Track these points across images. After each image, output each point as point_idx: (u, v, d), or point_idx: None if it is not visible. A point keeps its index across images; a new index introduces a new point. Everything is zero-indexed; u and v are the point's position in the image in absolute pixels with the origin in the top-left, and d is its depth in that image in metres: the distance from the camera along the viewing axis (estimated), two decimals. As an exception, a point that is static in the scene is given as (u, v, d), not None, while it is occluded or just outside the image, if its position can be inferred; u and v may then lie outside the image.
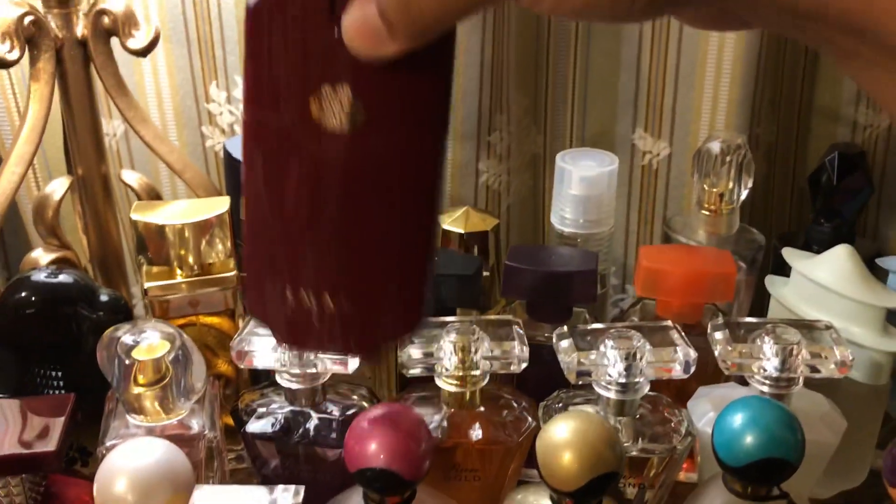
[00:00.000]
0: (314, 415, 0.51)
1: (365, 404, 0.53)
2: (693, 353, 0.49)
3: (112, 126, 0.77)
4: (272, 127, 0.32)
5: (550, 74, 0.77)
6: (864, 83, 0.28)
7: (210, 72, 0.76)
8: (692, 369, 0.49)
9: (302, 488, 0.40)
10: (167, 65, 0.76)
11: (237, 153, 0.62)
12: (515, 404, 0.54)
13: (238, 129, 0.77)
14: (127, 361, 0.47)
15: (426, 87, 0.32)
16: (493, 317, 0.53)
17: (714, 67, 0.73)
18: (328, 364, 0.50)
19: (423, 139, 0.32)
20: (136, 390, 0.47)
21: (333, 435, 0.50)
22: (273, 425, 0.51)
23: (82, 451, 0.56)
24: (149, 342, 0.48)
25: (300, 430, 0.51)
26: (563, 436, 0.44)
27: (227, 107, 0.77)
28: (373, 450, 0.43)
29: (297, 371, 0.50)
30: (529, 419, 0.53)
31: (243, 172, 0.33)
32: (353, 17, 0.28)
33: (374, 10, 0.27)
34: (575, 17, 0.29)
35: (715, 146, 0.64)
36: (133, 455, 0.42)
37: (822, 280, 0.57)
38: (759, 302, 0.67)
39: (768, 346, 0.50)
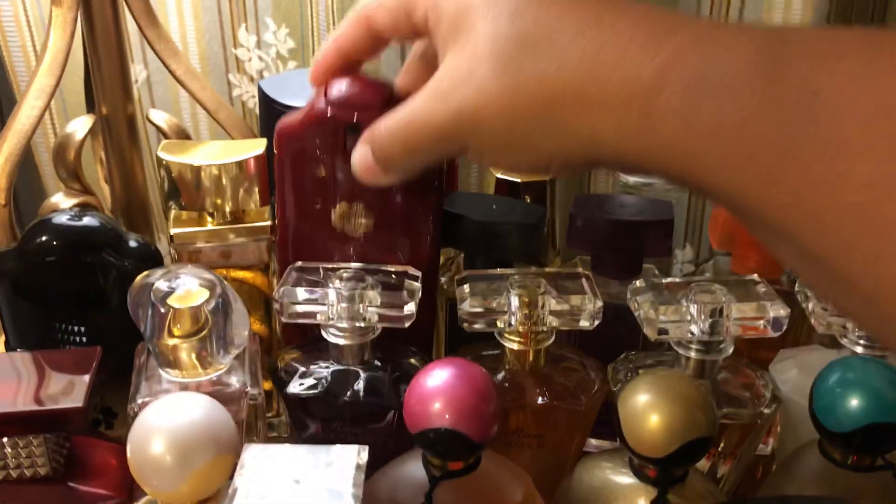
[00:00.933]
0: (363, 373, 0.47)
1: (414, 362, 0.48)
2: (784, 310, 0.44)
3: (134, 71, 0.72)
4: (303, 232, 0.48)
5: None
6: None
7: (239, 14, 0.71)
8: (783, 327, 0.44)
9: (366, 448, 0.36)
10: (193, 5, 0.71)
11: (273, 93, 0.57)
12: (581, 366, 0.49)
13: (267, 74, 0.73)
14: (162, 310, 0.42)
15: (418, 202, 0.47)
16: (559, 269, 0.49)
17: (781, 10, 0.68)
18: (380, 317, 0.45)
19: (420, 235, 0.48)
20: (172, 342, 0.43)
21: (385, 395, 0.46)
22: (317, 385, 0.46)
23: (106, 411, 0.52)
24: (186, 289, 0.43)
25: (348, 390, 0.46)
26: (651, 396, 0.39)
27: (257, 52, 0.73)
28: (437, 409, 0.39)
29: (345, 325, 0.45)
30: (598, 382, 0.48)
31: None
32: (356, 157, 0.41)
33: (369, 154, 0.40)
34: None
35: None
36: (172, 412, 0.38)
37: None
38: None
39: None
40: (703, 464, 0.49)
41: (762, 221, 0.30)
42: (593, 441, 0.54)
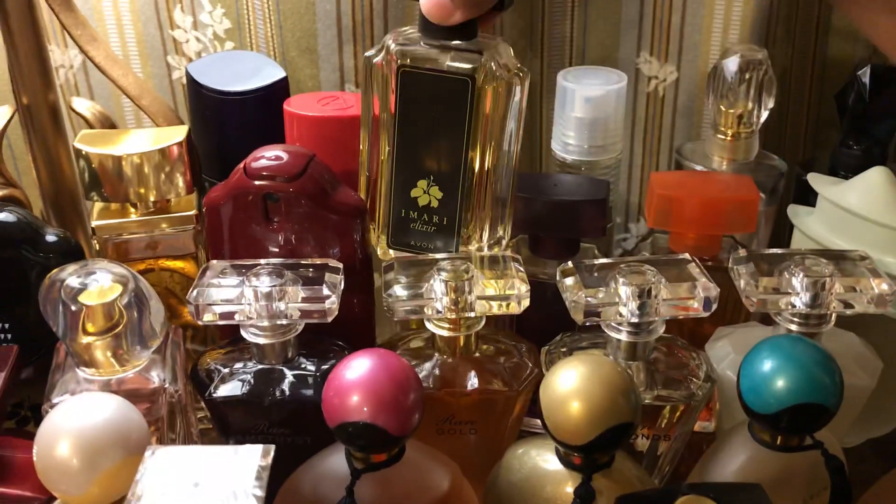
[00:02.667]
0: (288, 372, 0.46)
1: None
2: (715, 289, 0.43)
3: (68, 56, 0.70)
4: None
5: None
6: (864, 27, 0.28)
7: (174, -6, 0.69)
8: (713, 307, 0.44)
9: (272, 447, 0.35)
10: (126, -13, 0.69)
11: (200, 77, 0.56)
12: (515, 350, 0.48)
13: (205, 54, 0.71)
14: (73, 307, 0.41)
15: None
16: (487, 253, 0.48)
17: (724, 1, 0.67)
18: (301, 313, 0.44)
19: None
20: (86, 340, 0.42)
21: (311, 392, 0.45)
22: (241, 387, 0.45)
23: (35, 409, 0.51)
24: (98, 285, 0.42)
25: (273, 391, 0.45)
26: (570, 383, 0.38)
27: (194, 33, 0.71)
28: (354, 402, 0.38)
29: (265, 324, 0.44)
30: (531, 366, 0.47)
31: None
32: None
33: None
34: None
35: (732, 62, 0.58)
36: (78, 413, 0.37)
37: (854, 206, 0.51)
38: (780, 236, 0.62)
39: (798, 280, 0.45)
40: (643, 443, 0.49)
41: None
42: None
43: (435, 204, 0.48)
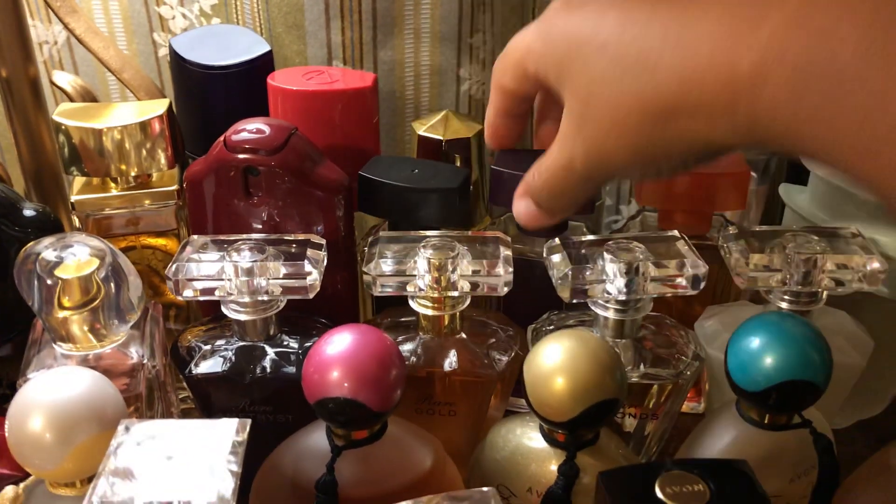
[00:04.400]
0: (269, 349, 0.45)
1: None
2: (703, 267, 0.43)
3: (52, 32, 0.69)
4: None
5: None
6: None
7: (159, -30, 0.68)
8: (702, 284, 0.43)
9: (248, 422, 0.34)
10: (111, -38, 0.68)
11: (184, 51, 0.55)
12: (501, 331, 0.48)
13: (190, 30, 0.70)
14: (49, 281, 0.40)
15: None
16: (475, 233, 0.47)
17: None
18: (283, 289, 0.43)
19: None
20: (62, 314, 0.41)
21: (293, 369, 0.44)
22: (222, 364, 0.44)
23: (13, 386, 0.50)
24: (75, 258, 0.41)
25: (255, 368, 0.44)
26: (553, 359, 0.38)
27: (181, 10, 0.70)
28: (335, 378, 0.37)
29: (246, 300, 0.43)
30: (515, 348, 0.46)
31: None
32: (519, 209, 0.43)
33: (532, 204, 0.42)
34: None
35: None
36: (52, 387, 0.36)
37: (847, 183, 0.50)
38: (772, 216, 0.61)
39: (789, 257, 0.44)
40: (631, 423, 0.48)
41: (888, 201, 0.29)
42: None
43: None
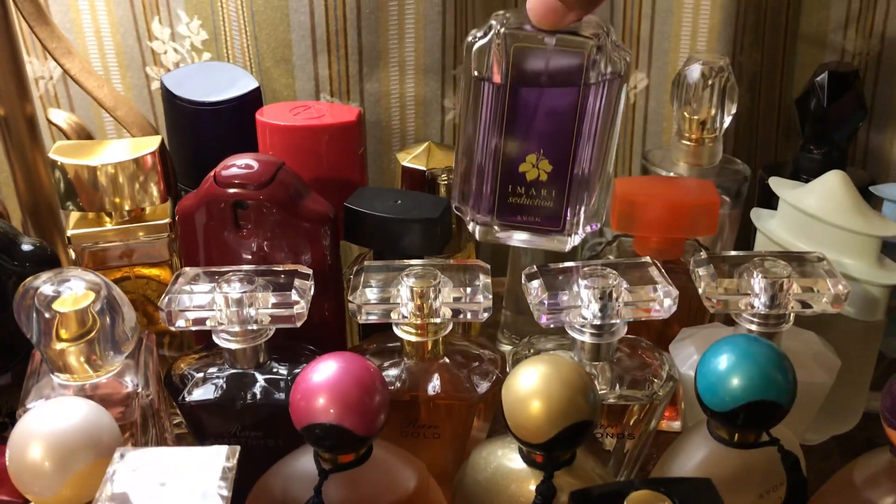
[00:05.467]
0: (259, 376, 0.47)
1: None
2: (674, 291, 0.45)
3: (48, 68, 0.71)
4: None
5: (520, 0, 0.72)
6: None
7: (151, 7, 0.71)
8: (673, 309, 0.45)
9: (237, 448, 0.36)
10: (105, 0, 0.70)
11: (175, 88, 0.57)
12: (483, 355, 0.49)
13: (183, 65, 0.72)
14: (47, 315, 0.42)
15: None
16: (457, 261, 0.49)
17: (691, 11, 0.68)
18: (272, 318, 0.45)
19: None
20: (59, 346, 0.43)
21: (282, 395, 0.46)
22: (214, 391, 0.46)
23: (12, 415, 0.52)
24: (72, 292, 0.43)
25: (245, 394, 0.46)
26: (528, 383, 0.40)
27: (172, 44, 0.72)
28: (321, 404, 0.39)
29: (236, 329, 0.45)
30: (496, 371, 0.48)
31: None
32: (537, 4, 0.40)
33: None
34: None
35: (695, 70, 0.59)
36: (50, 416, 0.38)
37: (813, 209, 0.52)
38: (745, 238, 0.63)
39: (756, 281, 0.46)
40: (610, 442, 0.50)
41: None
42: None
43: (544, 178, 0.48)
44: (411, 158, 0.58)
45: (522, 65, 0.46)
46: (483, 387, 0.47)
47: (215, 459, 0.35)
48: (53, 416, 0.38)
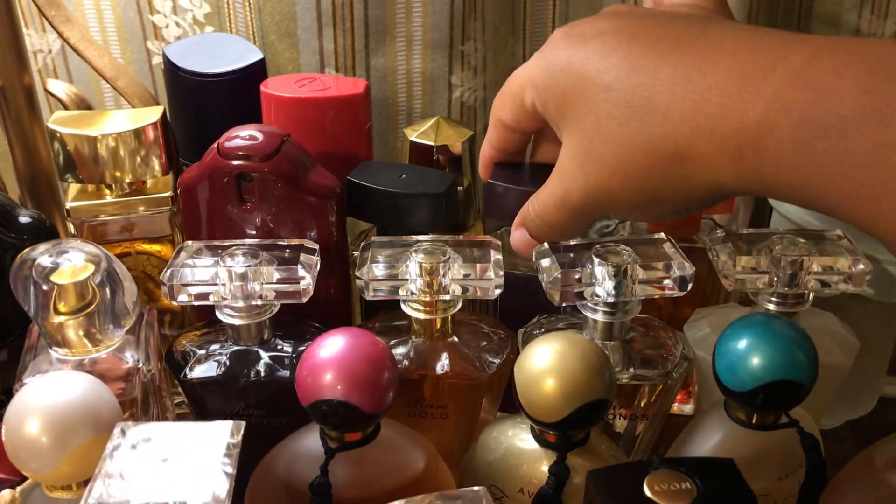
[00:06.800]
0: (263, 353, 0.45)
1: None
2: (690, 268, 0.43)
3: (47, 41, 0.69)
4: None
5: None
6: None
7: (153, -21, 0.69)
8: (689, 286, 0.43)
9: (242, 424, 0.35)
10: (105, -28, 0.68)
11: (177, 59, 0.55)
12: (492, 335, 0.48)
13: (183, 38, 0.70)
14: (45, 287, 0.41)
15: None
16: (468, 237, 0.47)
17: None
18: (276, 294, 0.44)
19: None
20: (58, 319, 0.41)
21: (287, 373, 0.44)
22: (217, 368, 0.45)
23: (9, 392, 0.50)
24: (70, 264, 0.41)
25: (249, 372, 0.45)
26: (543, 360, 0.38)
27: (174, 18, 0.70)
28: (328, 380, 0.38)
29: (240, 304, 0.44)
30: (506, 351, 0.47)
31: None
32: (516, 240, 0.45)
33: (527, 233, 0.44)
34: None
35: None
36: (47, 391, 0.36)
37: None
38: (760, 219, 0.62)
39: (775, 259, 0.44)
40: (621, 423, 0.49)
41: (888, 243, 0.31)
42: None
43: None
44: (419, 134, 0.57)
45: None
46: (493, 366, 0.46)
47: (220, 435, 0.34)
48: (51, 391, 0.36)
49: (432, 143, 0.56)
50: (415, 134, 0.57)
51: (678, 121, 0.34)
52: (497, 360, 0.47)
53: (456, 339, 0.47)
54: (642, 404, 0.47)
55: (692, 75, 0.34)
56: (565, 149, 0.40)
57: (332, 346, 0.38)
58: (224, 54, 0.56)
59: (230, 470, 0.32)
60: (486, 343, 0.47)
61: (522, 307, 0.49)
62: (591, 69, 0.37)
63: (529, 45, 0.73)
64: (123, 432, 0.34)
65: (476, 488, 0.31)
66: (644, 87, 0.35)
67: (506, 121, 0.44)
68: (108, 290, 0.42)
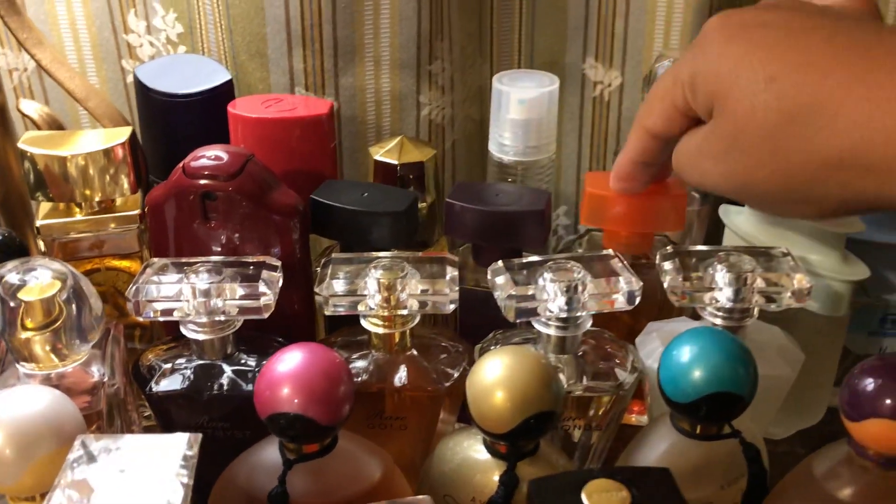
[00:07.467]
0: (227, 367, 0.47)
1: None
2: (637, 283, 0.45)
3: (22, 60, 0.71)
4: None
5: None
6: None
7: (127, -1, 0.70)
8: (637, 300, 0.45)
9: (199, 436, 0.36)
10: (80, -8, 0.70)
11: (148, 80, 0.57)
12: (451, 348, 0.50)
13: (157, 58, 0.72)
14: (12, 304, 0.42)
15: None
16: (427, 254, 0.49)
17: (665, 5, 0.68)
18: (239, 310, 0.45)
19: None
20: (25, 335, 0.42)
21: (250, 387, 0.46)
22: (181, 382, 0.46)
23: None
24: (37, 281, 0.43)
25: (212, 385, 0.46)
26: (493, 374, 0.40)
27: (148, 38, 0.72)
28: (285, 394, 0.39)
29: (203, 320, 0.45)
30: (463, 363, 0.49)
31: None
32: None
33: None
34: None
35: (665, 66, 0.60)
36: (11, 405, 0.38)
37: (779, 206, 0.53)
38: (716, 236, 0.63)
39: (721, 275, 0.46)
40: (578, 434, 0.50)
41: None
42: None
43: None
44: (384, 152, 0.59)
45: None
46: (450, 379, 0.48)
47: (177, 447, 0.35)
48: (15, 404, 0.38)
49: (396, 162, 0.58)
50: (379, 153, 0.59)
51: (848, 127, 0.33)
52: (455, 373, 0.48)
53: (415, 352, 0.48)
54: (597, 414, 0.49)
55: (869, 82, 0.32)
56: (712, 132, 0.38)
57: (289, 361, 0.40)
58: (194, 75, 0.58)
59: (186, 480, 0.34)
60: (444, 356, 0.49)
61: (482, 323, 0.50)
62: (754, 58, 0.35)
63: (497, 64, 0.75)
64: (84, 444, 0.35)
65: (419, 497, 0.33)
66: (812, 84, 0.34)
67: (652, 126, 0.43)
68: (74, 307, 0.43)
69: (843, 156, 0.33)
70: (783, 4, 0.39)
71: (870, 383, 0.39)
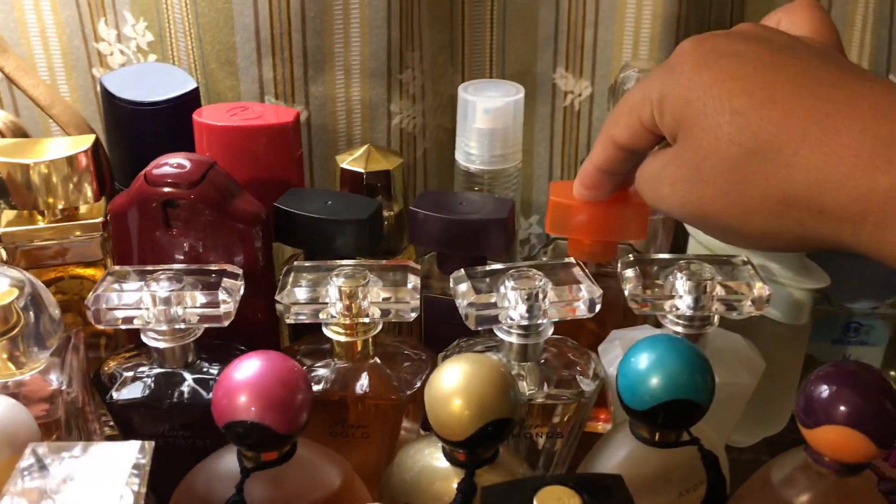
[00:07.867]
0: (188, 376, 0.47)
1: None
2: (597, 291, 0.45)
3: (-9, 68, 0.70)
4: None
5: (467, 7, 0.72)
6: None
7: (97, 7, 0.70)
8: (597, 308, 0.45)
9: (152, 444, 0.36)
10: (50, 0, 0.70)
11: (114, 88, 0.57)
12: (413, 356, 0.50)
13: (124, 67, 0.72)
14: (-31, 312, 0.42)
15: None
16: (387, 262, 0.49)
17: (634, 9, 0.69)
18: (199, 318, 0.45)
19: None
20: (-19, 343, 0.42)
21: (210, 395, 0.46)
22: (142, 390, 0.46)
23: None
24: (-6, 289, 0.43)
25: (173, 393, 0.46)
26: (450, 381, 0.40)
27: (118, 46, 0.72)
28: (242, 402, 0.39)
29: (164, 328, 0.45)
30: (426, 372, 0.49)
31: None
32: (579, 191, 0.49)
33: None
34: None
35: (631, 78, 0.60)
36: (-35, 413, 0.38)
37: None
38: (682, 245, 0.64)
39: (681, 283, 0.47)
40: (542, 441, 0.50)
41: None
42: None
43: None
44: (350, 161, 0.59)
45: None
46: (412, 387, 0.48)
47: (129, 455, 0.35)
48: (-31, 413, 0.38)
49: (362, 170, 0.58)
50: (345, 161, 0.59)
51: (805, 168, 0.34)
52: (417, 381, 0.48)
53: (378, 360, 0.48)
54: (560, 421, 0.49)
55: (827, 127, 0.33)
56: (676, 158, 0.39)
57: (247, 369, 0.40)
58: (160, 83, 0.58)
59: (137, 488, 0.34)
60: (407, 364, 0.49)
61: (447, 331, 0.50)
62: (723, 88, 0.36)
63: (468, 74, 0.75)
64: (34, 452, 0.35)
65: (372, 504, 0.33)
66: (774, 122, 0.35)
67: (618, 137, 0.43)
68: (32, 314, 0.43)
69: (799, 195, 0.34)
70: (756, 35, 0.39)
71: (824, 390, 0.40)
